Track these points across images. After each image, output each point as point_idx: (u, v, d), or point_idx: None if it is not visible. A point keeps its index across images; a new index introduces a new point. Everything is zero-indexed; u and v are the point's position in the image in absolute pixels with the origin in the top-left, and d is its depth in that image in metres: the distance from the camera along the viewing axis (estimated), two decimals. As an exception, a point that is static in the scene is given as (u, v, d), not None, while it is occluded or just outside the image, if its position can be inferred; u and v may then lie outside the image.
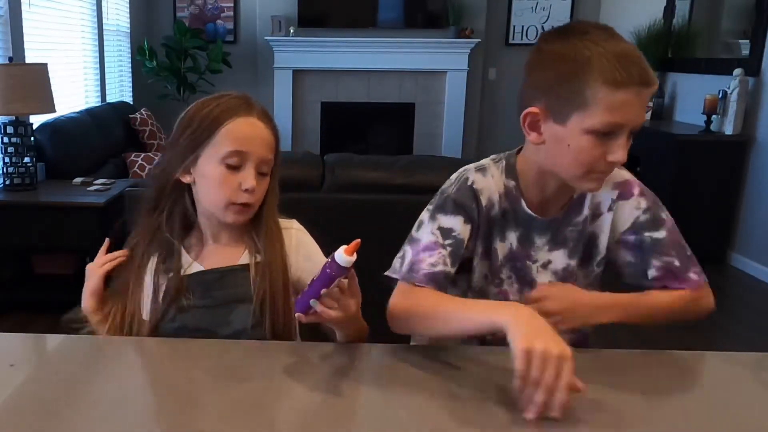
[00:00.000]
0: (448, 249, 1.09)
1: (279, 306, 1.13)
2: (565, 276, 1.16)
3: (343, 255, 0.91)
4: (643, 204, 1.14)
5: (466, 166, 1.17)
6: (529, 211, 1.13)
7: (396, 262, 1.12)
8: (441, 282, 1.08)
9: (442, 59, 5.73)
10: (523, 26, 5.94)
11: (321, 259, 1.14)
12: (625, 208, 1.14)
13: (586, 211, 1.14)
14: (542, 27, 5.91)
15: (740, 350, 1.14)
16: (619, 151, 0.98)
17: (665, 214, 1.15)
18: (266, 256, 1.15)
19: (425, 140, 5.97)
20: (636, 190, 1.15)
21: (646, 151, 4.26)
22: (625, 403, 0.93)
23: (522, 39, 5.96)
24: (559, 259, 1.16)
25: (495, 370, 1.00)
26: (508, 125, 5.94)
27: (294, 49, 5.66)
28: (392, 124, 6.10)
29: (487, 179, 1.13)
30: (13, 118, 2.95)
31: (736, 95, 3.83)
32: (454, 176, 1.16)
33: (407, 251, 1.11)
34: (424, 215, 1.14)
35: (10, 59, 3.22)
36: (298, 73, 5.81)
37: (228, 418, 0.87)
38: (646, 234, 1.13)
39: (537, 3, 5.89)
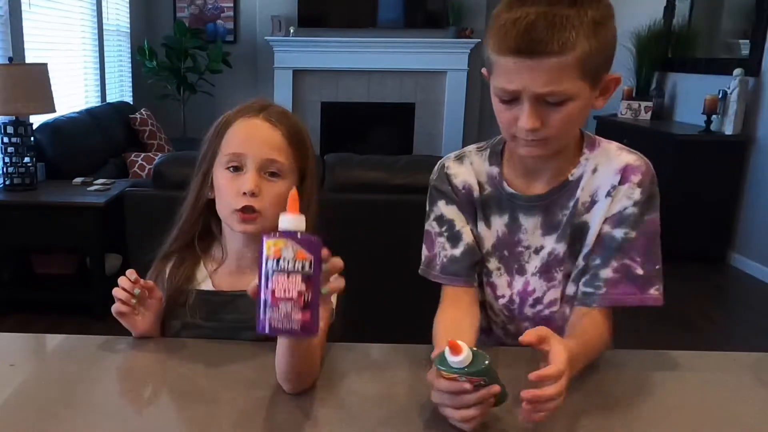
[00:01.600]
0: (445, 234, 1.13)
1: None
2: (549, 262, 1.10)
3: (294, 216, 0.72)
4: (637, 195, 1.04)
5: (449, 154, 1.18)
6: (510, 189, 1.10)
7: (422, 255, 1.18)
8: (449, 267, 1.12)
9: (442, 59, 5.73)
10: (523, 26, 5.94)
11: None
12: (618, 194, 1.05)
13: (579, 193, 1.06)
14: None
15: (740, 350, 1.14)
16: (523, 118, 0.95)
17: (653, 216, 1.05)
18: None
19: (425, 140, 5.97)
20: (635, 177, 1.05)
21: (646, 151, 4.23)
22: (624, 402, 0.93)
23: (522, 39, 5.96)
24: (550, 243, 1.10)
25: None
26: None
27: (294, 49, 5.66)
28: (392, 124, 6.10)
29: (464, 166, 1.14)
30: (13, 118, 2.94)
31: (736, 95, 3.83)
32: (436, 166, 1.18)
33: (423, 248, 1.17)
34: (426, 207, 1.18)
35: (10, 59, 3.22)
36: (298, 73, 5.81)
37: (228, 417, 0.87)
38: (622, 230, 1.04)
39: (537, 3, 5.89)
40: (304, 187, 1.10)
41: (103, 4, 4.73)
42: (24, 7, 3.46)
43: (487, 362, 0.80)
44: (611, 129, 4.69)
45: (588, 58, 0.91)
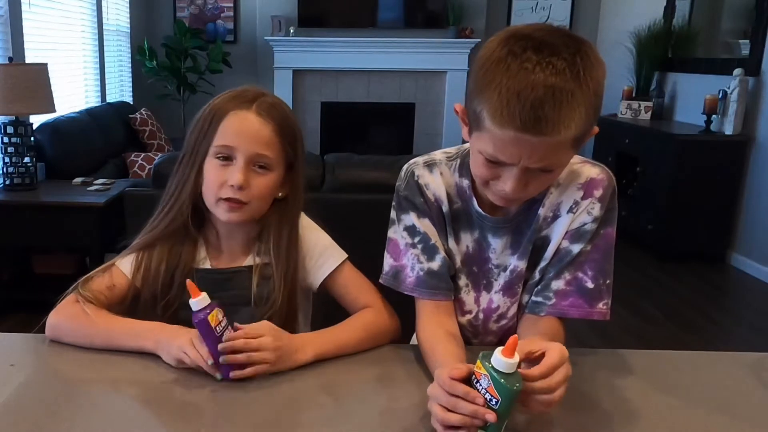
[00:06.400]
0: (419, 247, 1.08)
1: (276, 310, 1.10)
2: (512, 279, 1.10)
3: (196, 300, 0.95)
4: (597, 211, 1.03)
5: (415, 159, 1.12)
6: (480, 210, 1.07)
7: (384, 264, 1.13)
8: (428, 281, 1.07)
9: (442, 59, 5.73)
10: (523, 26, 5.94)
11: (318, 249, 1.16)
12: (580, 209, 1.04)
13: (542, 210, 1.05)
14: (542, 27, 5.91)
15: (740, 350, 1.14)
16: (507, 183, 0.92)
17: (609, 229, 1.05)
18: (273, 259, 1.13)
19: (425, 140, 5.97)
20: (597, 192, 1.04)
21: (646, 151, 4.26)
22: (625, 403, 0.93)
23: (522, 39, 5.95)
24: (513, 261, 1.09)
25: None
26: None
27: (294, 49, 5.66)
28: (392, 124, 6.10)
29: (434, 176, 1.09)
30: (13, 118, 2.94)
31: (736, 95, 3.83)
32: (403, 171, 1.12)
33: (386, 256, 1.12)
34: (392, 214, 1.13)
35: (10, 59, 3.22)
36: (298, 73, 5.81)
37: (228, 418, 0.87)
38: (579, 245, 1.04)
39: (537, 3, 5.89)
40: (291, 174, 1.14)
41: (103, 4, 4.73)
42: (24, 7, 3.46)
43: (518, 386, 0.77)
44: (611, 129, 4.69)
45: (584, 133, 0.89)
